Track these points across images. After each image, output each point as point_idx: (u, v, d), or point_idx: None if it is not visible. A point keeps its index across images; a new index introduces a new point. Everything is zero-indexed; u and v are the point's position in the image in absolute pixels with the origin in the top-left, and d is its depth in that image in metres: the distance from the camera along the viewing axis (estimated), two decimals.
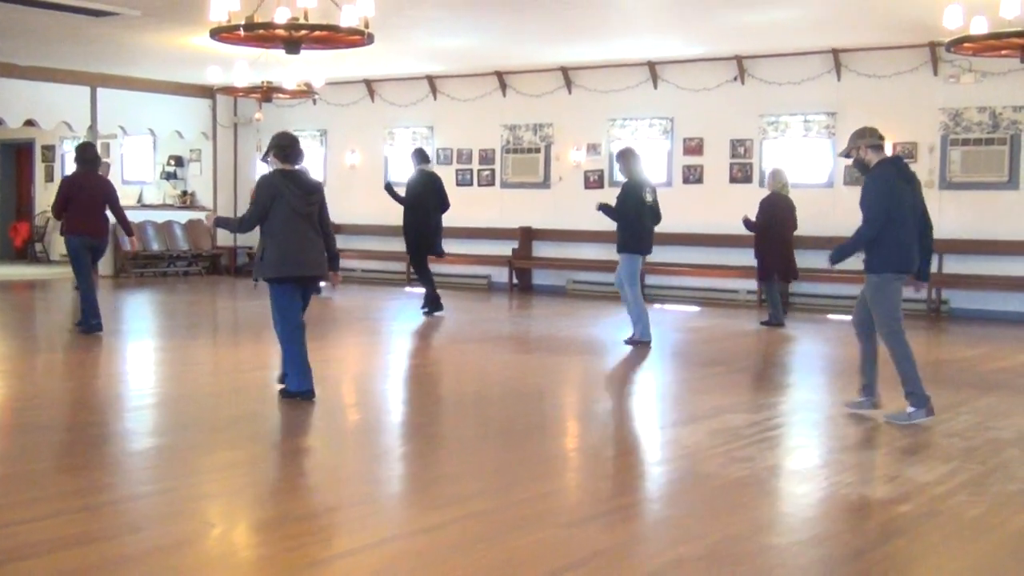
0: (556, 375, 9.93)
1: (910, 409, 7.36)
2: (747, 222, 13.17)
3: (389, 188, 14.05)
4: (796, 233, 13.27)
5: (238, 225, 8.02)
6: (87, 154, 11.44)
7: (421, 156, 13.97)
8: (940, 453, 6.57)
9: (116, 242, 18.87)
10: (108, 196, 11.32)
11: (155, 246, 19.41)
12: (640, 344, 10.97)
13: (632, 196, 11.03)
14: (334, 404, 8.44)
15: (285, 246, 7.70)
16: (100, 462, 6.30)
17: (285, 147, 7.94)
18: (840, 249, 7.73)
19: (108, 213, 11.32)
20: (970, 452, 6.58)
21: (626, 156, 11.30)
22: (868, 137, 7.56)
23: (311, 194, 7.87)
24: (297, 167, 7.93)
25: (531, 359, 10.65)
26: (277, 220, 7.69)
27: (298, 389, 7.83)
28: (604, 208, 11.25)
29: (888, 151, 7.67)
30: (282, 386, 7.92)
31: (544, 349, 11.15)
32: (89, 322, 11.18)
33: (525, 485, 5.78)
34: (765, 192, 13.38)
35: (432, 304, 13.56)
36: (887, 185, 7.38)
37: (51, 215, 11.39)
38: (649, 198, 11.11)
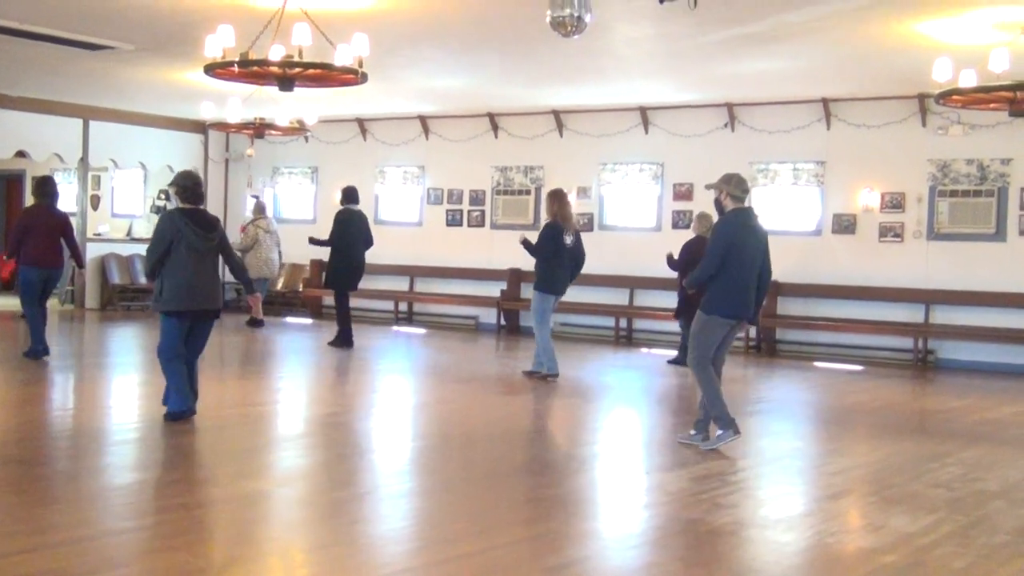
0: (541, 417, 9.89)
1: (718, 432, 7.87)
2: (670, 260, 13.23)
3: (313, 240, 14.59)
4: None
5: (147, 270, 8.34)
6: (47, 187, 11.86)
7: (352, 195, 14.33)
8: (926, 503, 6.55)
9: (104, 275, 18.87)
10: (65, 229, 11.82)
11: (143, 280, 19.34)
12: (551, 377, 11.38)
13: (551, 237, 11.38)
14: (317, 442, 8.40)
15: (182, 281, 8.15)
16: (80, 496, 6.24)
17: (187, 188, 8.41)
18: (692, 278, 8.23)
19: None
20: (955, 503, 6.57)
21: (555, 197, 11.67)
22: (732, 186, 7.93)
23: (210, 232, 8.33)
24: (198, 207, 8.39)
25: (517, 400, 10.61)
26: (176, 257, 8.13)
27: (179, 408, 8.20)
28: (525, 243, 11.67)
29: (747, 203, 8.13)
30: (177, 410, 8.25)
31: (530, 391, 11.12)
32: (36, 348, 11.54)
33: (509, 528, 5.75)
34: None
35: (344, 340, 13.92)
36: (731, 234, 7.82)
37: (12, 245, 11.62)
38: (569, 240, 11.44)
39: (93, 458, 7.37)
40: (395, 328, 17.60)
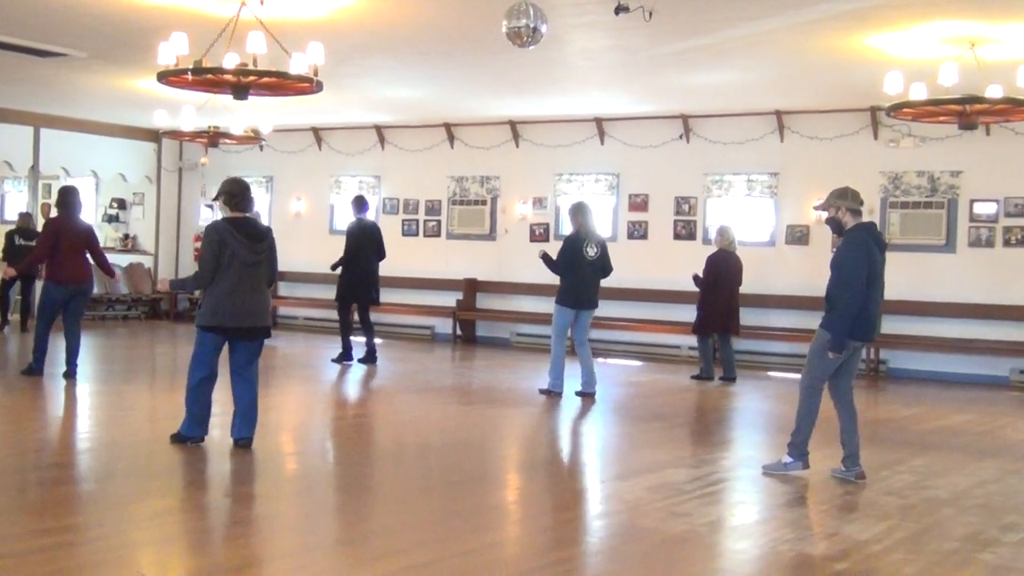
0: (497, 427, 9.88)
1: (787, 459, 7.54)
2: (696, 279, 13.34)
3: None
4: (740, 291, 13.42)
5: (193, 283, 7.90)
6: (70, 198, 11.23)
7: (362, 204, 14.01)
8: (877, 511, 6.62)
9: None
10: (90, 241, 11.27)
11: (95, 289, 19.09)
12: (551, 394, 11.21)
13: (570, 249, 11.22)
14: (272, 453, 8.32)
15: (222, 295, 7.62)
16: (29, 508, 6.15)
17: (235, 194, 7.81)
18: (837, 336, 7.39)
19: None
20: (907, 510, 6.64)
21: (576, 210, 11.50)
22: (849, 200, 7.52)
23: (259, 243, 7.78)
24: (246, 215, 7.85)
25: (473, 410, 10.60)
26: (220, 269, 7.61)
27: (188, 434, 7.84)
28: (545, 257, 11.46)
29: (864, 216, 7.68)
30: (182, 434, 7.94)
31: (486, 401, 11.11)
32: (34, 366, 11.11)
33: (465, 537, 5.74)
34: (711, 249, 13.57)
35: (346, 356, 13.70)
36: (864, 252, 7.39)
37: (36, 256, 11.23)
38: (591, 253, 11.26)
39: (44, 469, 7.26)
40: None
